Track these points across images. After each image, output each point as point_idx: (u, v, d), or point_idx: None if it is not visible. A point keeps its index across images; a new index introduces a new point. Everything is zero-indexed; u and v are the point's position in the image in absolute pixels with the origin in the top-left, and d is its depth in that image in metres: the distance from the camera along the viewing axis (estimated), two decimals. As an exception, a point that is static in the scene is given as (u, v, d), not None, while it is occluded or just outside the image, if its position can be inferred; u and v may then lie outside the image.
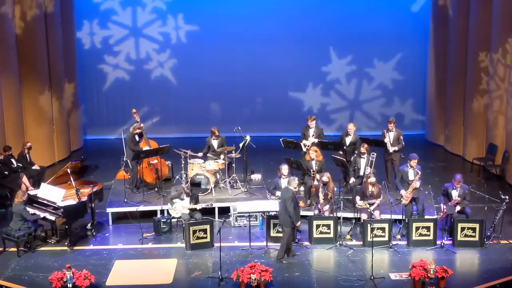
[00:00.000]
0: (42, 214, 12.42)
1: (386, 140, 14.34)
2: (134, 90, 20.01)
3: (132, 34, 19.79)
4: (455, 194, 12.43)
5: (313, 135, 14.73)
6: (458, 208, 12.41)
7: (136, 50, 19.89)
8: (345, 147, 14.45)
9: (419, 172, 12.71)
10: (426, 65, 19.82)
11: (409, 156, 12.96)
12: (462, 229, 12.11)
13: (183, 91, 20.16)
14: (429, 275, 10.41)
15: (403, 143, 14.37)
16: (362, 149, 13.65)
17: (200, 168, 14.13)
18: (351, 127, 14.54)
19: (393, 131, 14.38)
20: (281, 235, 12.33)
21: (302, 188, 13.94)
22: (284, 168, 13.10)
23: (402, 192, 12.62)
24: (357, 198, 12.74)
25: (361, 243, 12.33)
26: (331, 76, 20.13)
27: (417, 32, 19.92)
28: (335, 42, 19.91)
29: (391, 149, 14.29)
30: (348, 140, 14.49)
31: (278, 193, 12.94)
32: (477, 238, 12.09)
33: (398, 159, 14.37)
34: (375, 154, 13.61)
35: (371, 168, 13.39)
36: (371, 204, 12.57)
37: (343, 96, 20.28)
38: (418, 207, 12.71)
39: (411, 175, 12.74)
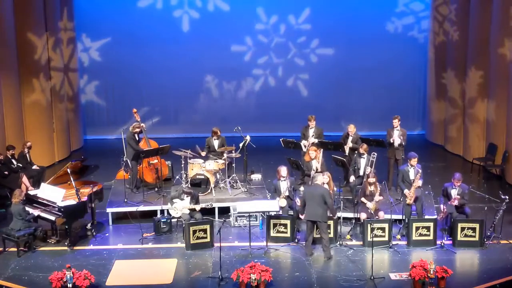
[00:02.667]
0: (36, 213, 12.42)
1: (393, 139, 14.21)
2: (134, 90, 20.02)
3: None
4: (454, 193, 12.42)
5: (313, 135, 14.73)
6: (456, 202, 12.34)
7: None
8: (346, 146, 14.41)
9: (420, 171, 12.70)
10: (426, 65, 19.84)
11: (408, 155, 12.96)
12: (462, 229, 12.10)
13: (183, 91, 20.19)
14: (429, 275, 10.40)
15: (404, 142, 14.31)
16: (361, 150, 13.64)
17: (200, 168, 14.13)
18: (351, 129, 14.50)
19: (398, 129, 14.30)
20: (281, 235, 12.37)
21: (301, 188, 13.94)
22: (283, 170, 12.99)
23: (406, 191, 12.60)
24: (363, 198, 12.69)
25: (361, 243, 12.33)
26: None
27: (417, 32, 19.97)
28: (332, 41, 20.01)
29: (397, 142, 14.12)
30: (349, 141, 14.46)
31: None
32: (477, 238, 12.08)
33: (401, 158, 14.31)
34: (375, 154, 13.60)
35: (371, 168, 13.38)
36: (376, 202, 12.55)
37: (342, 93, 20.36)
38: (418, 207, 12.70)
39: (411, 174, 12.73)
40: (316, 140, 14.57)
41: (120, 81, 20.02)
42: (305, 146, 14.55)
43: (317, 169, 13.45)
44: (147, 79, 19.97)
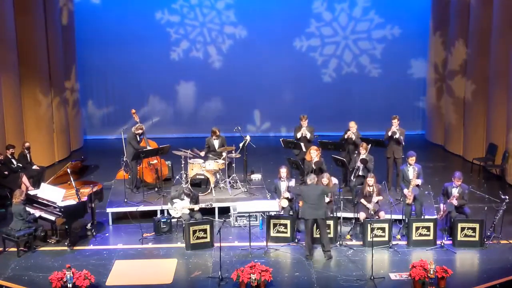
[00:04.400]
0: (38, 213, 12.42)
1: (391, 131, 14.17)
2: (134, 90, 20.02)
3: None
4: (455, 192, 12.39)
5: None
6: (455, 202, 12.33)
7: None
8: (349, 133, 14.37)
9: (416, 168, 12.68)
10: (426, 65, 19.84)
11: (407, 154, 12.95)
12: (462, 229, 12.10)
13: (183, 91, 20.19)
14: (429, 275, 10.40)
15: (403, 143, 14.30)
16: (361, 149, 13.63)
17: (200, 168, 14.13)
18: (352, 125, 14.47)
19: (397, 128, 14.23)
20: (281, 235, 12.37)
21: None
22: (283, 171, 13.00)
23: (405, 190, 12.60)
24: (362, 200, 12.69)
25: (361, 243, 12.33)
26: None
27: (417, 31, 19.99)
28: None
29: (395, 133, 14.08)
30: (352, 134, 14.41)
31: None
32: (477, 238, 12.08)
33: (400, 157, 14.30)
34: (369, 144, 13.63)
35: (364, 164, 13.35)
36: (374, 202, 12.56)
37: (343, 94, 20.37)
38: (417, 207, 12.69)
39: (410, 173, 12.73)
40: (308, 135, 14.53)
41: (120, 82, 20.02)
42: (300, 138, 14.53)
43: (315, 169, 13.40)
44: (147, 79, 19.97)
